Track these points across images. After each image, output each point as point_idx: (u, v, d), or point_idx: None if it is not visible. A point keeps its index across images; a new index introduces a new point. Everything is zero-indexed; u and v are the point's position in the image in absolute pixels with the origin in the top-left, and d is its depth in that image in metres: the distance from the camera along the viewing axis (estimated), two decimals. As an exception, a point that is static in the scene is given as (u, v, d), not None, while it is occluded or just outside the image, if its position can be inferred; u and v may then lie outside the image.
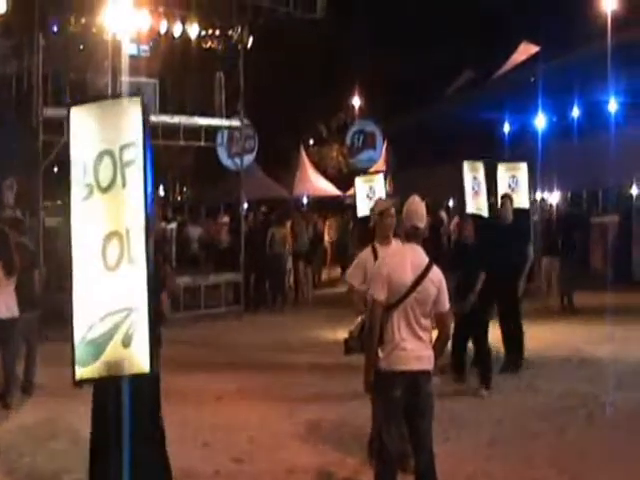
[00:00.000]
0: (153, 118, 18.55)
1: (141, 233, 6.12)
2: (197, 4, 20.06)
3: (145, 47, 20.17)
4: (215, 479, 8.27)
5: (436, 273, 6.73)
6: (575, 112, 34.93)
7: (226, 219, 24.06)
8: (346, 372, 10.83)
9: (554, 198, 30.82)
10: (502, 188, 14.96)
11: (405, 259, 6.70)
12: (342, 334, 8.83)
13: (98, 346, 6.09)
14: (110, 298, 6.13)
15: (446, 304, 6.79)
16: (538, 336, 15.04)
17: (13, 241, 11.25)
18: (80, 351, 6.11)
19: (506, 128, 39.57)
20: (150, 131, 6.30)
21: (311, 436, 9.62)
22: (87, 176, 6.16)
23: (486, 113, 35.79)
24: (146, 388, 6.65)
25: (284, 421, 10.23)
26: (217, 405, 11.03)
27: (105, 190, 6.15)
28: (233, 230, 21.99)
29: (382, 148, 30.19)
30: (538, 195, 30.08)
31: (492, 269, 11.99)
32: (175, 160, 32.46)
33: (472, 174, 15.12)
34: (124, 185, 6.15)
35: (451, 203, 29.44)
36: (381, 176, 17.31)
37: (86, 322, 6.10)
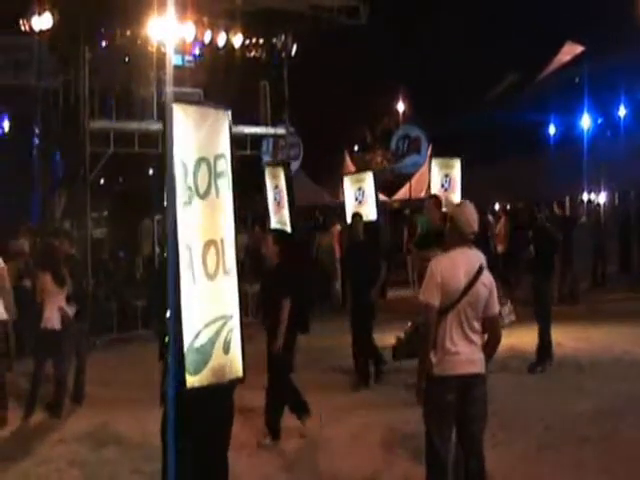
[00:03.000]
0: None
1: (232, 243, 6.31)
2: (241, 14, 20.16)
3: (190, 57, 20.33)
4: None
5: (487, 276, 6.73)
6: (621, 111, 34.63)
7: (275, 226, 24.07)
8: (394, 377, 10.84)
9: (601, 198, 30.56)
10: (435, 188, 13.85)
11: (457, 263, 6.70)
12: (389, 340, 8.85)
13: (205, 353, 6.15)
14: (211, 306, 6.21)
15: (496, 307, 6.79)
16: (586, 338, 14.93)
17: (62, 253, 11.43)
18: (189, 359, 6.09)
19: (551, 129, 39.32)
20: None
21: (360, 441, 9.62)
22: (188, 179, 6.13)
23: (531, 114, 35.59)
24: (224, 395, 6.66)
25: (332, 426, 10.23)
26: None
27: (202, 197, 6.18)
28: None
29: (427, 152, 30.12)
30: (585, 196, 29.85)
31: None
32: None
33: (274, 182, 14.29)
34: (218, 195, 6.25)
35: (497, 206, 29.27)
36: (371, 175, 15.78)
37: (193, 329, 6.10)
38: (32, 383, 11.02)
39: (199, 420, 6.37)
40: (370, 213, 14.74)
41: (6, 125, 28.60)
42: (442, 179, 13.84)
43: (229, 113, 6.40)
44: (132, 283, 18.78)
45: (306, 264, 12.46)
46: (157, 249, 18.80)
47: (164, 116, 6.17)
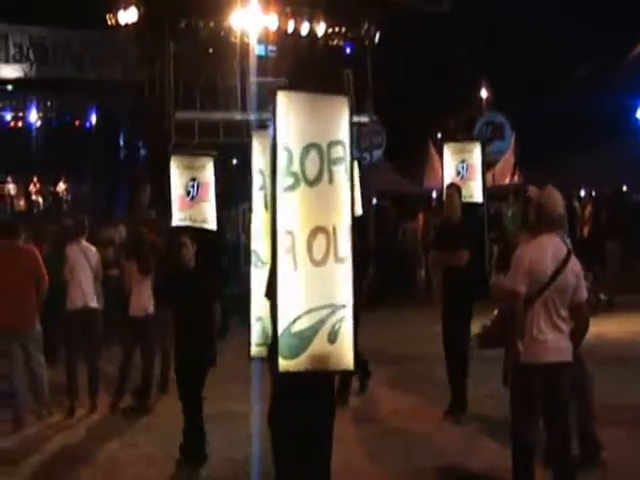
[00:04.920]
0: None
1: (348, 232, 6.19)
2: (324, 2, 20.20)
3: (273, 47, 20.43)
4: (346, 473, 8.32)
5: (575, 262, 6.68)
6: None
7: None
8: (478, 366, 10.75)
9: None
10: (449, 176, 12.00)
11: (545, 249, 6.65)
12: (474, 328, 8.78)
13: (303, 339, 6.05)
14: (316, 293, 6.10)
15: (584, 293, 6.72)
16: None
17: (148, 241, 11.59)
18: (284, 343, 6.01)
19: (639, 113, 38.50)
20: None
21: (443, 429, 9.59)
22: (293, 165, 6.04)
23: (618, 98, 34.89)
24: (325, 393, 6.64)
25: (415, 414, 10.22)
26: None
27: (311, 184, 6.08)
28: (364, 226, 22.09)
29: (511, 139, 29.76)
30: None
31: None
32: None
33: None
34: (331, 182, 6.14)
35: (582, 193, 28.78)
36: (355, 163, 13.61)
37: (291, 314, 6.03)
38: (120, 371, 11.20)
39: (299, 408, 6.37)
40: (356, 208, 13.08)
41: (93, 118, 29.22)
42: (457, 166, 12.02)
43: (348, 99, 6.33)
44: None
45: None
46: (242, 237, 18.90)
47: (272, 103, 6.05)
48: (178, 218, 10.76)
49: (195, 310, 8.65)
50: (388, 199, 27.24)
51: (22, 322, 10.43)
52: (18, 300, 10.32)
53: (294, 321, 6.03)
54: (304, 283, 6.06)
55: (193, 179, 10.85)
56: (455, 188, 10.55)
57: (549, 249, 6.64)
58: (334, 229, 6.14)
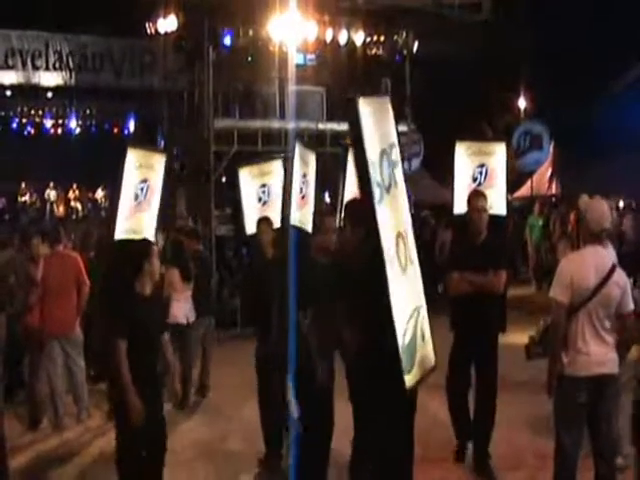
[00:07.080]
0: (321, 126, 18.87)
1: (411, 230, 6.21)
2: (362, 11, 20.22)
3: (311, 56, 20.48)
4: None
5: (620, 275, 6.64)
6: None
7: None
8: (529, 377, 10.67)
9: None
10: (462, 183, 9.63)
11: (588, 262, 6.62)
12: (522, 339, 8.70)
13: (412, 350, 6.02)
14: (409, 298, 6.09)
15: (629, 305, 6.67)
16: None
17: (189, 249, 11.69)
18: (404, 359, 5.83)
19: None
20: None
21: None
22: (376, 175, 5.81)
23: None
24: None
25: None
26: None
27: (387, 190, 5.96)
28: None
29: (549, 149, 29.55)
30: None
31: None
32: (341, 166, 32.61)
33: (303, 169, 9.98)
34: (396, 185, 6.09)
35: (621, 203, 28.54)
36: (279, 164, 10.97)
37: (402, 327, 5.89)
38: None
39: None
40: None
41: (132, 126, 29.46)
42: (474, 170, 9.51)
43: (389, 98, 6.29)
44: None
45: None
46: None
47: (352, 113, 5.78)
48: (123, 229, 8.84)
49: (146, 346, 6.87)
50: (427, 208, 27.15)
51: (63, 326, 10.52)
52: (59, 305, 10.42)
53: (404, 333, 5.89)
54: (403, 292, 5.94)
55: (144, 180, 8.99)
56: (484, 198, 8.63)
57: (592, 262, 6.60)
58: (405, 232, 6.10)
